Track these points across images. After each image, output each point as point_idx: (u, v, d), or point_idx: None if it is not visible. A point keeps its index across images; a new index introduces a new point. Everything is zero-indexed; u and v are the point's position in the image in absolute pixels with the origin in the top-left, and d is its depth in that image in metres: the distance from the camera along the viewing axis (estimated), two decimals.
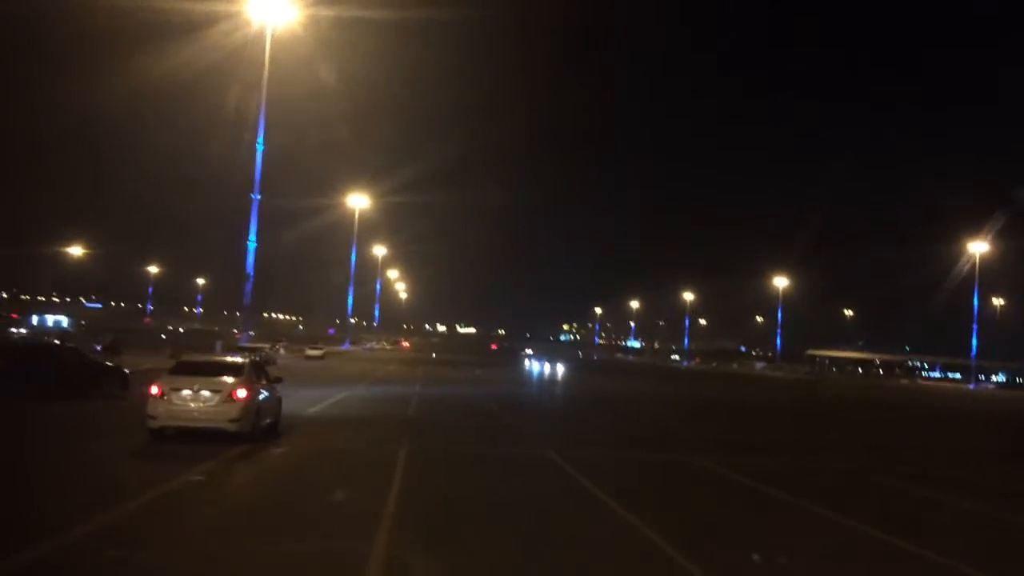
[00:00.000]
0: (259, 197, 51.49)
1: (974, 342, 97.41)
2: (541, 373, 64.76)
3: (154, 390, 13.70)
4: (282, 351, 59.87)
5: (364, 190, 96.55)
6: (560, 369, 72.25)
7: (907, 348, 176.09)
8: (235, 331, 52.74)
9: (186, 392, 13.71)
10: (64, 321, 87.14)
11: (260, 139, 50.96)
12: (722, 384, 63.43)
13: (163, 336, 55.38)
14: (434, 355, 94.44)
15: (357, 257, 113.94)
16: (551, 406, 33.32)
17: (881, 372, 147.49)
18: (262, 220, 51.80)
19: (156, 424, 13.63)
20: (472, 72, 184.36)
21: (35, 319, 80.00)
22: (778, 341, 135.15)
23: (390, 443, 15.46)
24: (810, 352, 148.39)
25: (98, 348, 36.01)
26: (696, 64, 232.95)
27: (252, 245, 51.43)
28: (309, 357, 57.19)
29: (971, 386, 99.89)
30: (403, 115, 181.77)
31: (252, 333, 51.47)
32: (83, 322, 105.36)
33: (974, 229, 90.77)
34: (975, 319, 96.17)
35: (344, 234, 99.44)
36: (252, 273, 51.34)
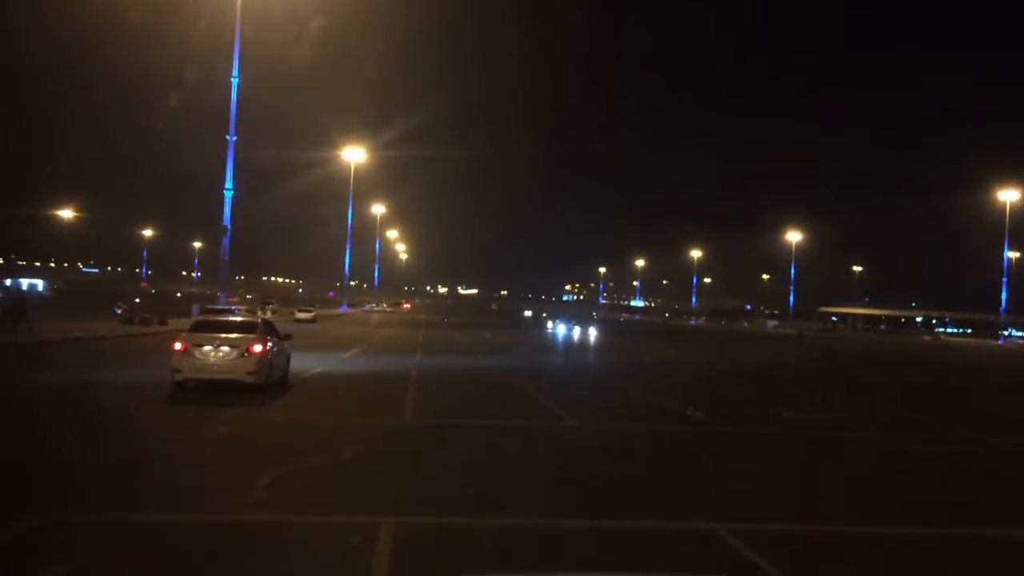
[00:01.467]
0: (235, 138, 44.53)
1: (1003, 295, 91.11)
2: (559, 336, 57.80)
3: (178, 346, 14.64)
4: (270, 314, 53.39)
5: (361, 143, 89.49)
6: (578, 331, 65.41)
7: (912, 304, 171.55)
8: (219, 294, 45.96)
9: (207, 348, 14.54)
10: (40, 285, 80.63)
11: (235, 72, 43.88)
12: (753, 346, 56.98)
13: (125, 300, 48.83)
14: (441, 318, 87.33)
15: (356, 217, 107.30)
16: (605, 384, 22.25)
17: (885, 328, 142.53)
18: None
19: (181, 377, 14.51)
20: (470, 20, 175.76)
21: (8, 282, 73.57)
22: (791, 298, 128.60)
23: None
24: (822, 309, 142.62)
25: (118, 311, 41.14)
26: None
27: (228, 194, 44.52)
28: (299, 320, 50.61)
29: (999, 341, 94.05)
30: (400, 66, 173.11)
31: (222, 295, 44.84)
32: (55, 286, 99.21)
33: (997, 180, 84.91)
34: (1005, 272, 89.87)
35: (342, 192, 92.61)
36: (229, 226, 44.50)
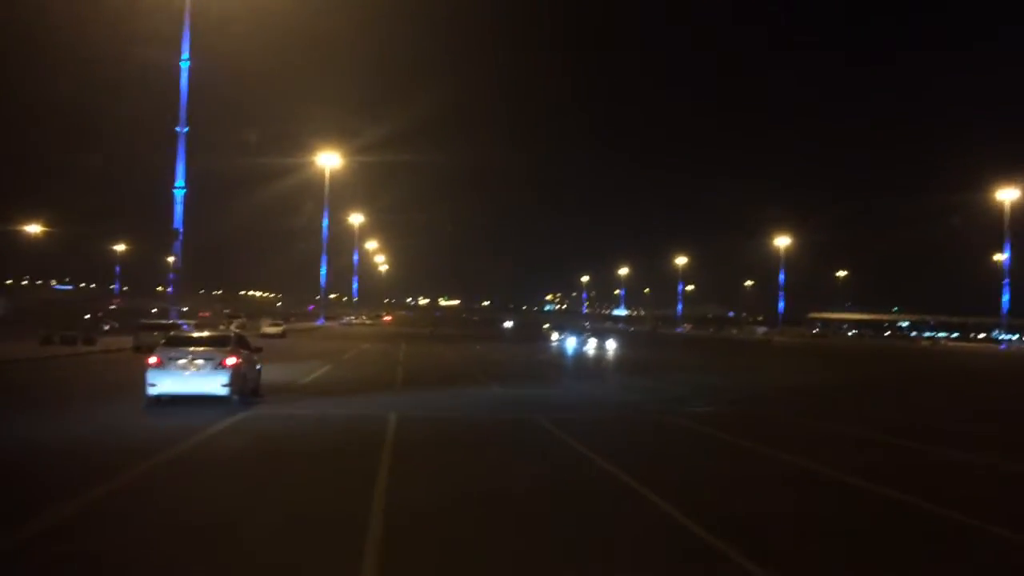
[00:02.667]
0: (186, 130, 38.50)
1: (1005, 298, 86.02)
2: (572, 349, 49.49)
3: (152, 360, 14.43)
4: (234, 329, 47.23)
5: (337, 150, 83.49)
6: (590, 343, 56.78)
7: (895, 308, 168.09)
8: (171, 308, 39.93)
9: (181, 361, 14.38)
10: None
11: (184, 55, 37.89)
12: (781, 356, 51.13)
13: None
14: (427, 330, 79.72)
15: (334, 228, 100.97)
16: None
17: (871, 333, 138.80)
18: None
19: (155, 391, 14.20)
20: (444, 23, 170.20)
21: None
22: (780, 304, 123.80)
23: None
24: (812, 315, 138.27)
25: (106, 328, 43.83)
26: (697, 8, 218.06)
27: (179, 193, 38.52)
28: (265, 335, 44.46)
29: (1001, 347, 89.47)
30: (374, 70, 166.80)
31: (174, 309, 38.69)
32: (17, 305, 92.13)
33: (984, 181, 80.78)
34: (1007, 273, 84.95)
35: (318, 202, 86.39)
36: (181, 228, 38.47)
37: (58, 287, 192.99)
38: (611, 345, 52.08)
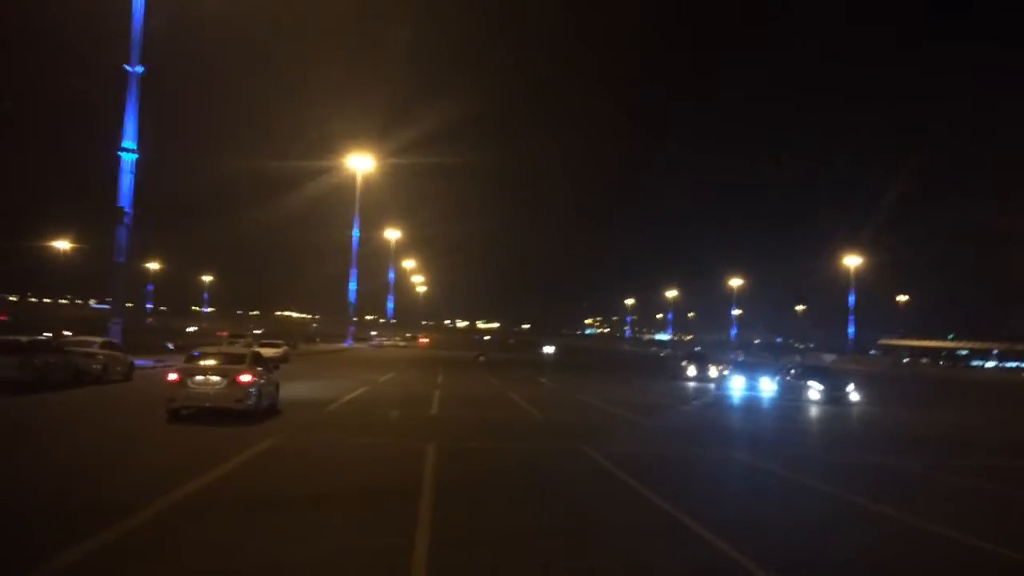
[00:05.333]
0: (141, 70, 26.64)
1: None
2: (763, 400, 29.20)
3: (172, 376, 14.99)
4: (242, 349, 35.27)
5: (369, 152, 72.21)
6: (788, 387, 30.36)
7: (951, 336, 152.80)
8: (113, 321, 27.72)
9: (199, 378, 14.86)
10: None
11: None
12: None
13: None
14: (468, 354, 64.07)
15: (368, 245, 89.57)
16: None
17: (944, 363, 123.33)
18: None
19: (174, 405, 14.70)
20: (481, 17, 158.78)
21: None
22: (850, 329, 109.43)
23: None
24: (883, 342, 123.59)
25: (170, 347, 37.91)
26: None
27: (130, 156, 26.59)
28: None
29: None
30: (410, 81, 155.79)
31: (116, 321, 26.86)
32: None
33: None
34: None
35: (361, 218, 74.98)
36: (129, 209, 26.52)
37: (95, 306, 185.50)
38: (857, 396, 27.67)
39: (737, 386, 33.00)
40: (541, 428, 17.14)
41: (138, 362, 25.39)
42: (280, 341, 41.10)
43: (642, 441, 16.05)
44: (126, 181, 25.47)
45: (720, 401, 28.19)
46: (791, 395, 28.27)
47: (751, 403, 27.58)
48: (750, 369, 37.95)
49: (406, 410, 18.85)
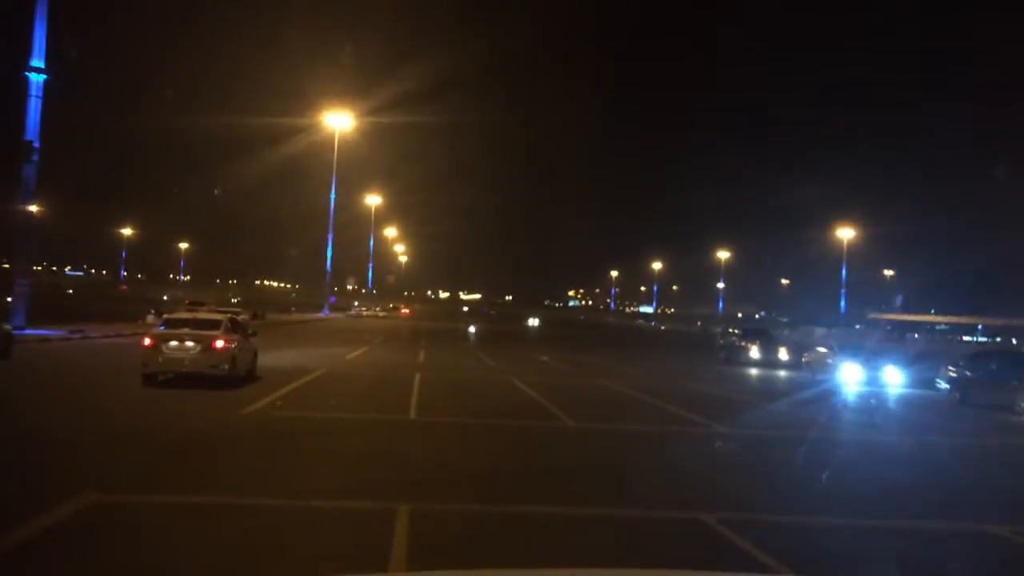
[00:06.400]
0: None
1: None
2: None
3: (146, 341, 14.69)
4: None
5: (348, 110, 66.61)
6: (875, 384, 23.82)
7: (931, 310, 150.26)
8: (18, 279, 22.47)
9: (174, 343, 14.51)
10: None
11: None
12: None
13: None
14: (461, 326, 60.64)
15: (349, 211, 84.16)
16: None
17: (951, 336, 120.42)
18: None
19: (148, 370, 14.42)
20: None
21: None
22: (842, 304, 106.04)
23: None
24: (873, 316, 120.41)
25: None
26: None
27: (36, 79, 21.29)
28: None
29: None
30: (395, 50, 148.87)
31: (22, 280, 21.91)
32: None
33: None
34: None
35: (341, 183, 69.51)
36: (37, 140, 21.30)
37: (70, 272, 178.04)
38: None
39: (851, 379, 23.57)
40: (588, 455, 10.53)
41: (42, 332, 20.44)
42: (239, 310, 36.06)
43: (797, 491, 8.92)
44: (33, 108, 20.30)
45: (856, 405, 19.32)
46: (984, 398, 18.65)
47: (924, 409, 19.19)
48: (864, 354, 25.99)
49: (366, 412, 13.22)
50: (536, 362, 27.02)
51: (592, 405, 16.09)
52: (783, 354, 31.70)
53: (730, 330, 39.15)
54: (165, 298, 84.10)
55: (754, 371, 28.74)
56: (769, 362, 30.94)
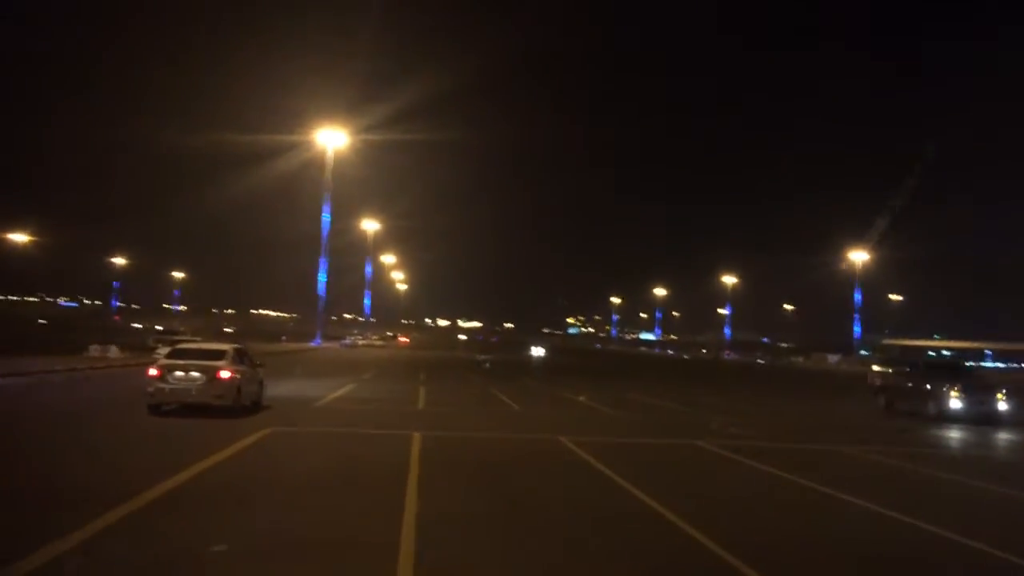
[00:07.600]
0: None
1: None
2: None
3: (152, 371, 14.34)
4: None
5: (343, 127, 61.93)
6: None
7: (936, 336, 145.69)
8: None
9: (179, 373, 14.23)
10: None
11: None
12: None
13: None
14: (445, 353, 55.50)
15: (345, 237, 79.49)
16: None
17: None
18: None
19: (154, 400, 14.18)
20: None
21: None
22: (856, 328, 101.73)
23: None
24: (887, 342, 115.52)
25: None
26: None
27: None
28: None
29: None
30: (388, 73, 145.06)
31: None
32: None
33: None
34: None
35: (339, 211, 64.83)
36: None
37: (64, 303, 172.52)
38: None
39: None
40: None
41: None
42: (198, 342, 30.77)
43: None
44: None
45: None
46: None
47: None
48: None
49: (317, 527, 6.59)
50: (577, 406, 20.65)
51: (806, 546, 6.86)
52: (1002, 404, 20.01)
53: (900, 366, 24.00)
54: (160, 328, 78.99)
55: (973, 433, 17.69)
56: (979, 415, 19.49)
